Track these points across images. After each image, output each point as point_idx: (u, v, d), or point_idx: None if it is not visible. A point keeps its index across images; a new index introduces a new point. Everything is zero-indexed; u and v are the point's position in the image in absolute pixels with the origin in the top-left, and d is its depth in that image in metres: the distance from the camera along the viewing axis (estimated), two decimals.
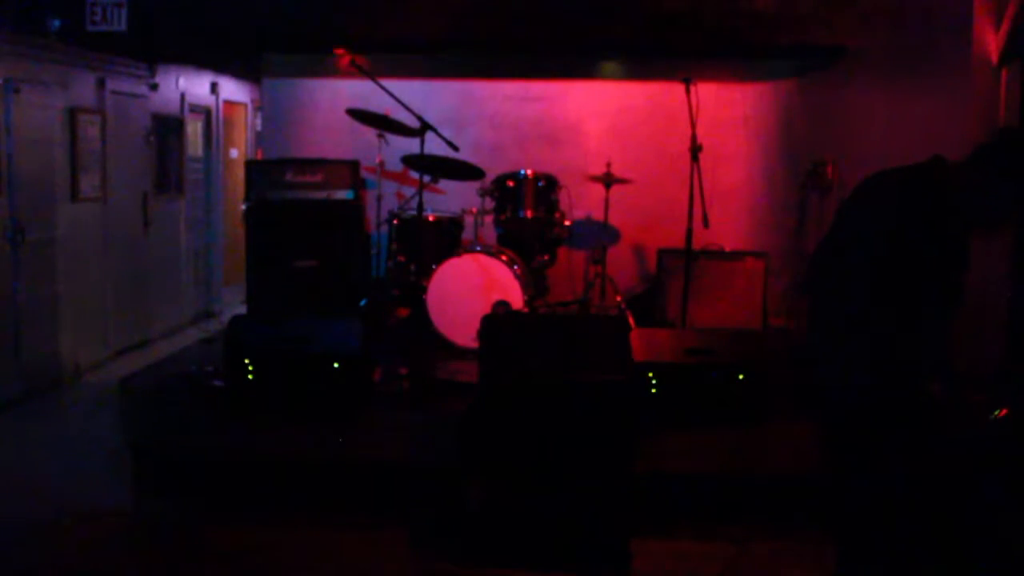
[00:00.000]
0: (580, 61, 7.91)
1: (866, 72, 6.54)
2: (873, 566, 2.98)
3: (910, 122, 5.78)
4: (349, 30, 6.89)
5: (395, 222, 6.79)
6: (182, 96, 9.17)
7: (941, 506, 2.97)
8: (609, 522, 4.10)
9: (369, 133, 6.86)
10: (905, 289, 2.86)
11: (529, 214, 6.77)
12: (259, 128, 10.26)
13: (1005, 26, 4.99)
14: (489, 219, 6.89)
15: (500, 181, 6.82)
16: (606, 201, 7.13)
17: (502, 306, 6.15)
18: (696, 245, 6.33)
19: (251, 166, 7.07)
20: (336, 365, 5.20)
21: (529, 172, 6.79)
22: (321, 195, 6.71)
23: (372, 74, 6.03)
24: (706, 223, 6.04)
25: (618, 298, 7.10)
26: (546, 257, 6.93)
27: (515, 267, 6.33)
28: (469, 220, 6.92)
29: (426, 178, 6.32)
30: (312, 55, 7.92)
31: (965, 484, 3.01)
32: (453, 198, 7.15)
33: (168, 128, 8.88)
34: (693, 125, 6.02)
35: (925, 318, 2.88)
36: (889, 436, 2.89)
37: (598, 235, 7.31)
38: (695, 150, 6.05)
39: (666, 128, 7.38)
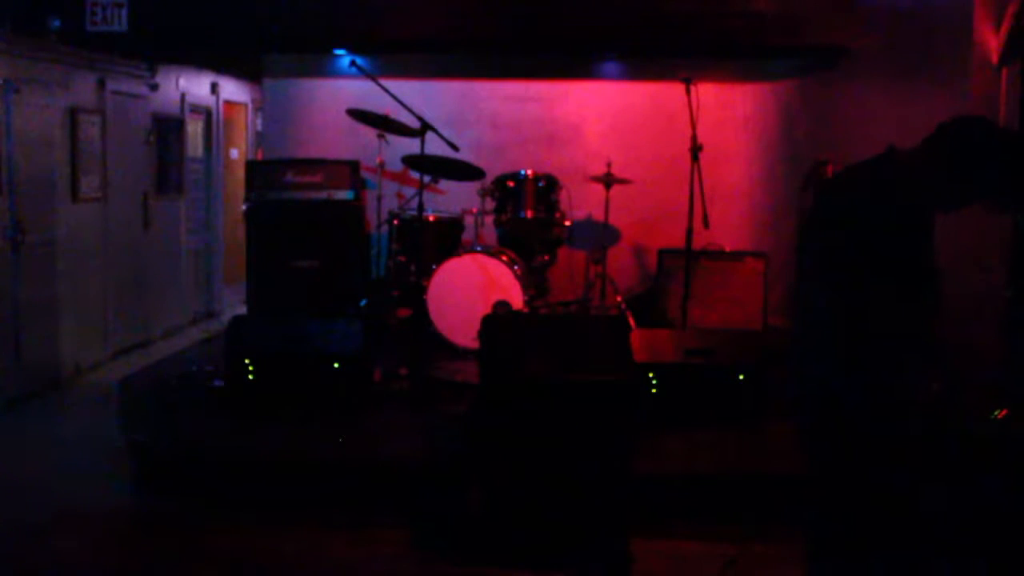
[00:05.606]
0: (580, 61, 7.91)
1: (866, 72, 6.53)
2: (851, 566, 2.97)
3: (910, 122, 5.73)
4: (349, 30, 6.89)
5: (395, 222, 6.79)
6: (182, 96, 9.17)
7: (936, 505, 2.97)
8: (609, 522, 4.10)
9: (369, 133, 6.86)
10: (885, 283, 2.86)
11: (529, 214, 6.77)
12: (259, 128, 10.27)
13: (1005, 26, 4.98)
14: (489, 219, 6.89)
15: (500, 181, 6.82)
16: (606, 201, 7.13)
17: (502, 306, 6.15)
18: (696, 245, 6.33)
19: (251, 166, 7.07)
20: (336, 365, 5.20)
21: (529, 172, 6.79)
22: (321, 195, 6.71)
23: (372, 74, 6.03)
24: (706, 223, 6.04)
25: (618, 298, 7.10)
26: (546, 257, 6.93)
27: (515, 267, 6.33)
28: (469, 220, 6.92)
29: (426, 178, 6.32)
30: (312, 55, 7.93)
31: (961, 483, 3.01)
32: (453, 198, 7.16)
33: (168, 128, 8.87)
34: (693, 125, 6.01)
35: (909, 312, 2.88)
36: (882, 435, 2.89)
37: (598, 235, 7.31)
38: (695, 150, 6.04)
39: (666, 128, 7.38)
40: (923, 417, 2.93)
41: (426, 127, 5.73)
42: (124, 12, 6.60)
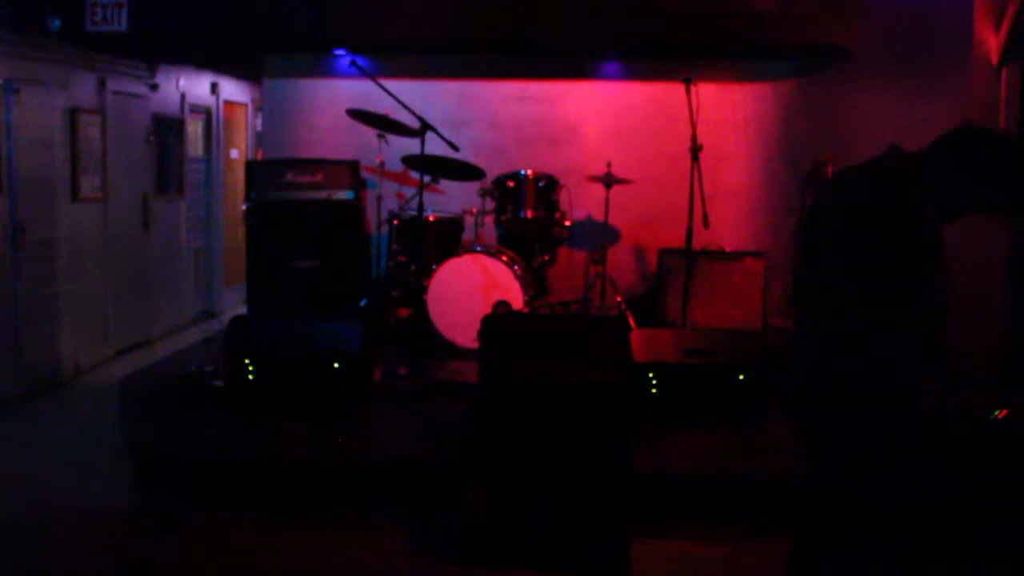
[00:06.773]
0: (580, 61, 7.91)
1: (866, 72, 6.53)
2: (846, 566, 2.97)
3: (910, 122, 5.77)
4: (349, 30, 6.89)
5: (395, 222, 6.79)
6: (182, 96, 9.17)
7: (933, 506, 2.96)
8: (609, 522, 4.10)
9: (369, 133, 6.86)
10: (886, 288, 2.85)
11: (529, 214, 6.77)
12: (259, 128, 10.26)
13: (1005, 26, 4.98)
14: (489, 219, 6.89)
15: (500, 181, 6.83)
16: (606, 201, 7.13)
17: (502, 306, 6.15)
18: (696, 245, 6.33)
19: (251, 166, 7.08)
20: (336, 365, 5.20)
21: (529, 172, 6.79)
22: (321, 195, 6.71)
23: (372, 74, 6.02)
24: (706, 223, 6.04)
25: (618, 298, 7.10)
26: (546, 257, 6.93)
27: (515, 267, 6.33)
28: (469, 220, 6.92)
29: (426, 178, 6.32)
30: (312, 55, 7.93)
31: (961, 483, 3.01)
32: (453, 198, 7.16)
33: (168, 128, 8.88)
34: (693, 125, 6.02)
35: (911, 316, 2.87)
36: (884, 436, 2.89)
37: (598, 235, 7.31)
38: (695, 150, 6.05)
39: (666, 128, 7.37)
40: (923, 417, 2.93)
41: (426, 127, 5.73)
42: (124, 12, 6.61)
